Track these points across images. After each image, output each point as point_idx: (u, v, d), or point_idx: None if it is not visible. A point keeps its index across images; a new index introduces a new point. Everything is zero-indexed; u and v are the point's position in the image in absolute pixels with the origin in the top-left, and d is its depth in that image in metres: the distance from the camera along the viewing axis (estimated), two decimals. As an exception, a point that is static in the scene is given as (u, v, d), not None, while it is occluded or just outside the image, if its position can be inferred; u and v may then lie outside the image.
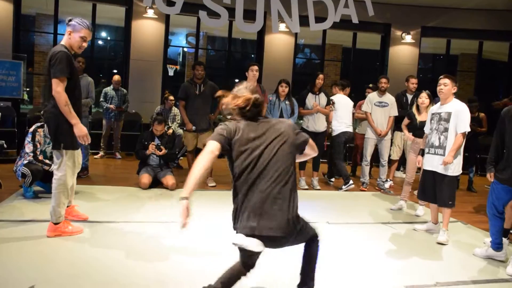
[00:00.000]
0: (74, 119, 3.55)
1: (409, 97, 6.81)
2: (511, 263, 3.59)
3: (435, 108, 4.51)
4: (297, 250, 2.76)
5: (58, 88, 3.46)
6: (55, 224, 3.65)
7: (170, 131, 6.28)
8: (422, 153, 4.65)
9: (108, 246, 3.50)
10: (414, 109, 5.58)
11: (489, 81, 12.06)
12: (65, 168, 3.61)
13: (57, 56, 3.49)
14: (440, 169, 4.29)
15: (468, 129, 4.21)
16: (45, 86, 3.64)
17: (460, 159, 4.29)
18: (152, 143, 5.81)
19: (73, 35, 3.63)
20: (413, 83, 6.78)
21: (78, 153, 3.81)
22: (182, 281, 2.97)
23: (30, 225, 3.84)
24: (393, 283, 3.20)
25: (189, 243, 3.72)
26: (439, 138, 4.33)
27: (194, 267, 3.23)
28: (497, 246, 3.82)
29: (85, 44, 3.72)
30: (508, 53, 11.14)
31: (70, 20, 3.67)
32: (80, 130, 3.57)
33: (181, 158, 7.94)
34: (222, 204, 5.08)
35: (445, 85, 4.28)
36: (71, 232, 3.69)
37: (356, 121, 8.10)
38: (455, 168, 4.27)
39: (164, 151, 5.85)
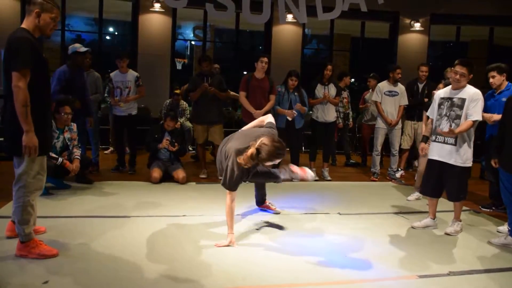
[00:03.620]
0: (27, 125, 2.86)
1: (420, 86, 6.70)
2: None
3: (443, 92, 4.21)
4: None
5: (20, 82, 2.82)
6: (22, 242, 3.09)
7: (178, 124, 6.28)
8: (425, 140, 4.38)
9: (119, 241, 3.53)
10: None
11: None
12: (26, 178, 3.00)
13: (17, 44, 2.87)
14: (452, 161, 4.02)
15: (480, 119, 3.96)
16: (6, 81, 2.95)
17: (471, 150, 4.05)
18: (166, 138, 5.82)
19: (43, 16, 2.99)
20: (422, 71, 6.65)
21: (44, 161, 3.18)
22: (195, 275, 2.98)
23: (41, 222, 3.87)
24: (406, 272, 3.18)
25: (202, 237, 3.73)
26: (450, 126, 3.99)
27: (207, 262, 3.24)
28: None
29: (56, 27, 3.14)
30: (520, 39, 10.97)
31: None
32: (30, 140, 2.88)
33: (192, 150, 7.96)
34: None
35: (462, 75, 3.95)
36: (38, 254, 3.07)
37: (364, 111, 8.05)
38: (467, 159, 4.02)
39: (177, 147, 5.86)
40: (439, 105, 4.18)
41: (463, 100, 3.99)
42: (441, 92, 4.27)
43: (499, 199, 5.11)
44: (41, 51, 3.06)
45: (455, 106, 4.04)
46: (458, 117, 4.00)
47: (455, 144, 4.01)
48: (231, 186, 3.49)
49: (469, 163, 4.05)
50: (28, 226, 3.08)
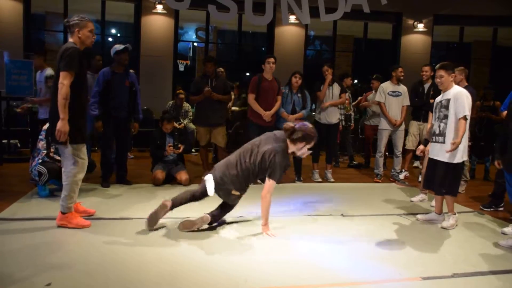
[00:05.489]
0: (63, 114, 3.54)
1: (426, 86, 6.62)
2: None
3: (439, 97, 4.49)
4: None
5: (65, 81, 3.52)
6: (63, 213, 3.76)
7: (182, 126, 6.27)
8: (425, 143, 4.67)
9: (123, 243, 3.52)
10: None
11: (504, 69, 11.83)
12: (73, 161, 3.69)
13: (69, 52, 3.56)
14: (441, 157, 4.28)
15: (467, 113, 4.15)
16: (54, 82, 3.69)
17: (463, 146, 4.22)
18: (169, 144, 5.79)
19: (82, 32, 3.70)
20: (423, 71, 6.57)
21: (84, 148, 3.85)
22: (196, 277, 2.97)
23: (45, 224, 3.87)
24: (410, 274, 3.16)
25: (204, 239, 3.72)
26: (439, 126, 4.35)
27: (209, 263, 3.23)
28: None
29: (94, 36, 3.82)
30: (523, 39, 10.94)
31: (68, 21, 3.72)
32: (63, 126, 3.56)
33: (195, 153, 7.95)
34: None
35: (441, 77, 4.31)
36: (76, 224, 3.75)
37: (365, 112, 8.02)
38: (458, 155, 4.21)
39: (182, 147, 5.85)
40: (434, 109, 4.52)
41: (448, 100, 4.30)
42: (438, 98, 4.53)
43: (499, 198, 5.12)
44: (83, 60, 3.72)
45: (442, 107, 4.35)
46: (446, 117, 4.30)
47: (443, 142, 4.28)
48: (280, 178, 3.88)
49: (457, 159, 4.23)
50: (72, 201, 3.78)
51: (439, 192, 4.38)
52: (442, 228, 4.29)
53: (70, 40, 3.73)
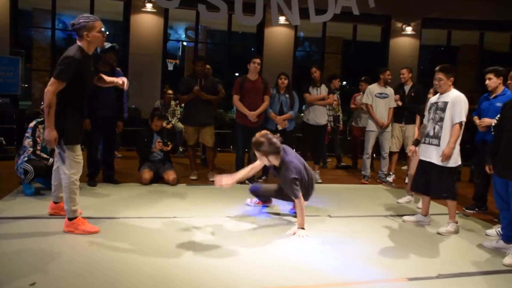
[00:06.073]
0: (48, 122, 3.43)
1: (406, 88, 6.70)
2: (509, 254, 3.56)
3: (434, 98, 4.44)
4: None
5: (50, 87, 3.39)
6: (69, 219, 3.66)
7: (170, 126, 6.24)
8: (416, 143, 4.60)
9: (110, 243, 3.49)
10: (426, 105, 5.42)
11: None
12: (68, 162, 3.58)
13: (65, 61, 3.44)
14: (434, 159, 4.24)
15: (463, 119, 4.11)
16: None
17: (457, 150, 4.20)
18: (159, 140, 5.77)
19: (91, 35, 3.54)
20: (401, 73, 6.60)
21: (79, 148, 3.73)
22: (186, 278, 2.96)
23: (31, 222, 3.83)
24: (396, 275, 3.19)
25: (192, 239, 3.71)
26: (434, 128, 4.29)
27: (198, 262, 3.22)
28: (508, 238, 3.80)
29: (105, 35, 3.67)
30: (509, 44, 11.08)
31: (74, 24, 3.55)
32: (49, 134, 3.44)
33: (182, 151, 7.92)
34: (224, 198, 5.07)
35: (440, 80, 4.24)
36: (83, 230, 3.65)
37: (353, 113, 8.08)
38: (452, 159, 4.18)
39: (171, 145, 5.83)
40: (429, 110, 4.44)
41: (446, 103, 4.22)
42: (433, 98, 4.48)
43: (482, 201, 5.18)
44: (89, 66, 3.63)
45: (438, 109, 4.28)
46: (441, 119, 4.23)
47: (438, 145, 4.23)
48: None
49: (451, 164, 4.19)
50: (74, 203, 3.65)
51: (439, 196, 4.29)
52: (438, 233, 4.23)
53: (79, 43, 3.57)
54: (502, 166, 3.74)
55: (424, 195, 4.51)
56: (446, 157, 4.13)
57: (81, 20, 3.54)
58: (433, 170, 4.27)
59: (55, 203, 4.06)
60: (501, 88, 4.82)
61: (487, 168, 3.97)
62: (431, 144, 4.30)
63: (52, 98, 3.40)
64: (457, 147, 4.20)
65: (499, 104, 4.67)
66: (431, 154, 4.29)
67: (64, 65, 3.42)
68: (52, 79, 3.42)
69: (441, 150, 4.17)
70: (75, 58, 3.46)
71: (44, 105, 3.42)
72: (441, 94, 4.31)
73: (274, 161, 4.19)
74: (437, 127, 4.26)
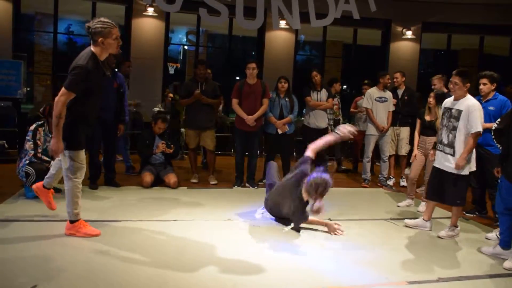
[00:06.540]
0: (56, 133, 3.39)
1: (399, 92, 6.79)
2: (510, 258, 3.57)
3: (448, 102, 4.36)
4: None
5: (61, 97, 3.35)
6: (71, 222, 3.66)
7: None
8: (434, 146, 4.55)
9: (111, 246, 3.50)
10: (426, 108, 5.44)
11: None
12: (71, 165, 3.56)
13: (76, 72, 3.38)
14: (447, 168, 4.20)
15: (479, 129, 4.03)
16: (58, 86, 3.59)
17: (471, 158, 4.15)
18: (162, 142, 5.80)
19: (106, 42, 3.47)
20: (394, 77, 6.78)
21: (82, 153, 3.67)
22: (187, 280, 2.97)
23: (33, 225, 3.85)
24: (396, 278, 3.20)
25: (193, 241, 3.72)
26: (448, 136, 4.22)
27: (197, 267, 3.23)
28: (506, 244, 3.79)
29: (120, 43, 3.58)
30: (509, 48, 11.09)
31: (89, 28, 3.46)
32: (55, 145, 3.41)
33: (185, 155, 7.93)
34: (224, 201, 5.09)
35: (455, 84, 4.14)
36: (85, 233, 3.65)
37: (354, 117, 8.09)
38: (466, 168, 4.14)
39: (173, 147, 5.86)
40: (442, 114, 4.37)
41: (460, 111, 4.14)
42: (447, 101, 4.41)
43: (481, 205, 5.19)
44: (99, 73, 3.54)
45: (452, 117, 4.20)
46: (455, 128, 4.16)
47: (453, 154, 4.17)
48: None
49: (466, 171, 4.16)
50: (76, 206, 3.64)
51: (453, 203, 4.26)
52: (439, 237, 4.25)
53: (92, 48, 3.50)
54: (508, 171, 3.71)
55: (438, 202, 4.46)
56: (460, 167, 4.10)
57: (98, 25, 3.44)
58: (447, 177, 4.22)
59: (44, 186, 3.96)
60: (493, 93, 4.86)
61: (495, 171, 3.97)
62: (445, 152, 4.25)
63: (63, 109, 3.35)
64: (473, 154, 4.16)
65: (491, 108, 4.74)
66: (446, 162, 4.23)
67: (75, 75, 3.36)
68: (63, 89, 3.37)
69: (456, 159, 4.12)
70: (87, 68, 3.40)
71: (54, 115, 3.36)
72: (456, 99, 4.23)
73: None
74: (450, 135, 4.19)
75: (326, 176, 3.96)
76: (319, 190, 3.88)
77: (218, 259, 3.39)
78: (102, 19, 3.51)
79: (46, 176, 3.96)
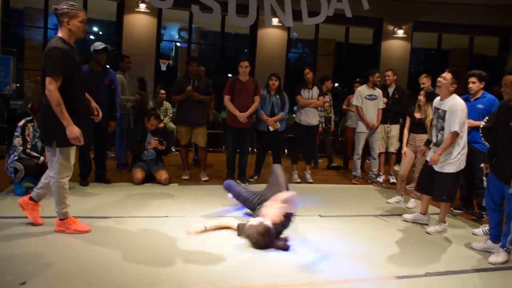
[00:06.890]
0: (65, 120, 3.34)
1: (390, 90, 6.85)
2: (495, 252, 3.64)
3: (436, 101, 4.42)
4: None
5: (50, 86, 3.27)
6: (60, 219, 3.65)
7: (162, 125, 6.25)
8: (427, 143, 4.58)
9: (102, 242, 3.50)
10: (416, 106, 5.48)
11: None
12: (57, 166, 3.49)
13: (50, 53, 3.32)
14: (437, 167, 4.26)
15: (456, 129, 4.08)
16: (43, 84, 3.44)
17: (459, 156, 4.18)
18: (155, 138, 5.80)
19: (72, 23, 3.41)
20: (386, 75, 6.85)
21: (72, 150, 3.60)
22: (178, 276, 2.98)
23: (22, 222, 3.82)
24: (385, 273, 3.24)
25: (184, 238, 3.73)
26: (437, 136, 4.31)
27: (188, 263, 3.24)
28: (496, 238, 3.85)
29: (86, 27, 3.52)
30: (497, 48, 11.23)
31: (56, 9, 3.40)
32: (71, 132, 3.36)
33: (175, 152, 7.92)
34: (215, 198, 5.10)
35: (444, 78, 4.19)
36: (74, 230, 3.64)
37: (347, 114, 8.14)
38: (453, 165, 4.19)
39: (165, 144, 5.86)
40: (434, 113, 4.42)
41: (444, 112, 4.21)
42: (435, 101, 4.45)
43: (468, 201, 5.26)
44: (75, 56, 3.47)
45: (439, 117, 4.27)
46: (443, 128, 4.24)
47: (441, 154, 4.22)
48: None
49: (450, 169, 4.20)
50: (64, 206, 3.63)
51: (440, 199, 4.34)
52: (427, 232, 4.32)
53: (59, 33, 3.44)
54: (497, 169, 3.77)
55: (427, 195, 4.55)
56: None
57: (64, 6, 3.40)
58: (437, 174, 4.29)
59: (30, 198, 3.79)
60: (482, 91, 4.92)
61: (484, 167, 4.03)
62: (434, 151, 4.31)
63: (57, 95, 3.28)
64: (464, 152, 4.20)
65: (480, 106, 4.79)
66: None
67: (53, 59, 3.29)
68: (47, 79, 3.29)
69: (446, 157, 4.19)
70: (60, 48, 3.33)
71: (53, 105, 3.29)
72: (442, 99, 4.28)
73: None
74: (439, 135, 4.28)
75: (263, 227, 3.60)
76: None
77: (209, 254, 3.40)
78: (69, 2, 3.46)
79: (37, 187, 3.79)
